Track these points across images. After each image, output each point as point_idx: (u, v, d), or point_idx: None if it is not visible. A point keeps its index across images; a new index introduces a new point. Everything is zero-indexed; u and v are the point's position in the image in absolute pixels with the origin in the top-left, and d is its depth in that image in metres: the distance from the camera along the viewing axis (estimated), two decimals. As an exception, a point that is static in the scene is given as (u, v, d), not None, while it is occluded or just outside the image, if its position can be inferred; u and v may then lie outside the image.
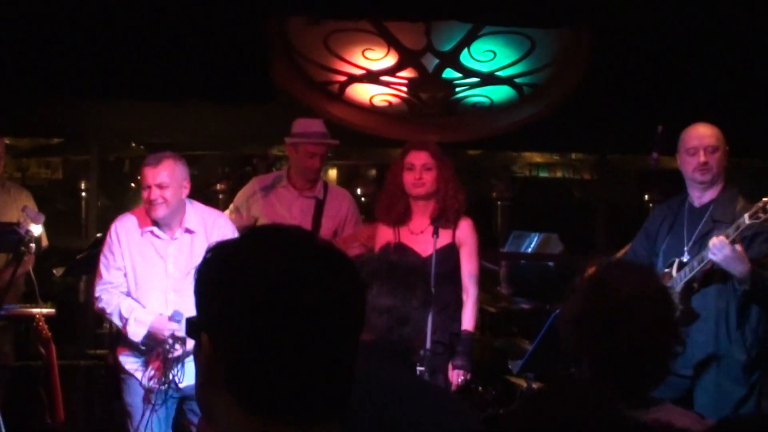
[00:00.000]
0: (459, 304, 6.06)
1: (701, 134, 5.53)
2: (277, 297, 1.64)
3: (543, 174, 13.25)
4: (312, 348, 1.66)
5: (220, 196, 9.97)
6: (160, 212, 5.62)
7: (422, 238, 6.04)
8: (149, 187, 5.59)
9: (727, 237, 5.16)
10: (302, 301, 1.64)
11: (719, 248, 5.19)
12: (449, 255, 6.03)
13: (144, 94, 7.86)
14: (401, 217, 6.10)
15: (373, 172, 12.65)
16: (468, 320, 6.01)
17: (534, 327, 6.53)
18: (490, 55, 8.03)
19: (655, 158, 6.10)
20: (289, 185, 6.65)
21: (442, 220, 6.00)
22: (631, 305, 2.86)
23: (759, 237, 5.36)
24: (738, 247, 5.17)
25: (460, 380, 5.85)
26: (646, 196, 10.93)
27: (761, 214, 5.09)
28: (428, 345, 5.57)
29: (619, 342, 2.85)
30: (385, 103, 8.45)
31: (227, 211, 6.76)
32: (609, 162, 9.44)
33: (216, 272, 1.71)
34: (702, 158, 5.46)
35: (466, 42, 7.93)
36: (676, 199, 5.77)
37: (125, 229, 5.76)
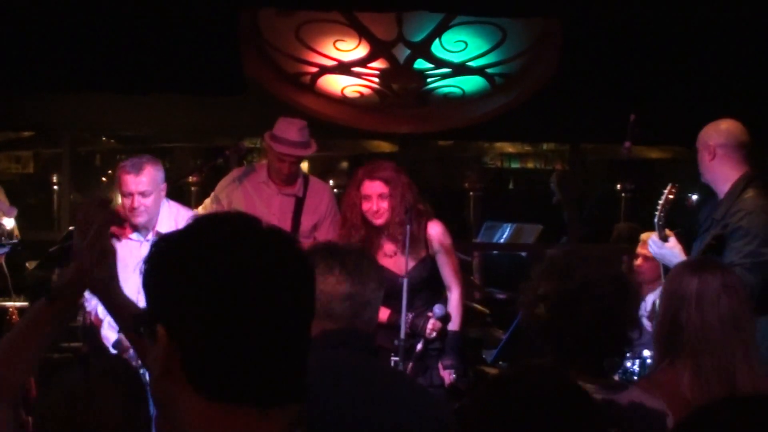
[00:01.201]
0: (434, 301, 6.00)
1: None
2: (228, 283, 1.65)
3: (515, 165, 13.31)
4: (266, 332, 1.67)
5: (192, 189, 9.96)
6: (142, 219, 5.69)
7: (395, 260, 5.98)
8: (131, 194, 5.62)
9: (658, 234, 5.32)
10: (253, 286, 1.66)
11: (650, 246, 5.37)
12: (424, 266, 6.01)
13: (115, 86, 7.82)
14: (369, 244, 5.97)
15: (345, 163, 12.67)
16: (454, 320, 6.01)
17: (507, 317, 6.55)
18: (461, 45, 8.02)
19: (628, 147, 6.10)
20: (270, 181, 6.59)
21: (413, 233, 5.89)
22: (583, 289, 2.94)
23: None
24: (670, 243, 5.30)
25: (451, 379, 5.86)
26: (618, 186, 10.99)
27: (658, 204, 5.34)
28: (402, 335, 5.58)
29: (570, 323, 2.94)
30: (357, 94, 8.44)
31: (207, 200, 6.74)
32: (581, 151, 9.46)
33: (166, 262, 1.71)
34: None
35: (438, 32, 7.92)
36: None
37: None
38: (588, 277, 2.97)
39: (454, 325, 5.99)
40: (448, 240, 6.08)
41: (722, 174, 5.53)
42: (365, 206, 5.93)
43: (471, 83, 8.43)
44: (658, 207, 5.36)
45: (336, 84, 8.39)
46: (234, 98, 8.00)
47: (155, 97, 8.13)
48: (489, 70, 8.31)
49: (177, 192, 9.69)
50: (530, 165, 13.52)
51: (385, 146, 10.55)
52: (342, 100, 8.51)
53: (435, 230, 6.03)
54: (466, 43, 8.02)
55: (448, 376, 5.86)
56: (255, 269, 1.67)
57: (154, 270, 1.73)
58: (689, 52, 7.68)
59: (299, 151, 6.48)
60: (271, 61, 8.28)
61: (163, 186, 5.75)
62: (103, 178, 11.06)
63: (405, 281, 5.67)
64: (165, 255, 1.72)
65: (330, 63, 8.21)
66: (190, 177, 9.77)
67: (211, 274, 1.66)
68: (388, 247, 6.01)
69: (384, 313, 5.71)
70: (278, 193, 6.55)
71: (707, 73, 7.74)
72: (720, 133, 5.53)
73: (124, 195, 5.68)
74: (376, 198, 5.90)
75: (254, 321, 1.66)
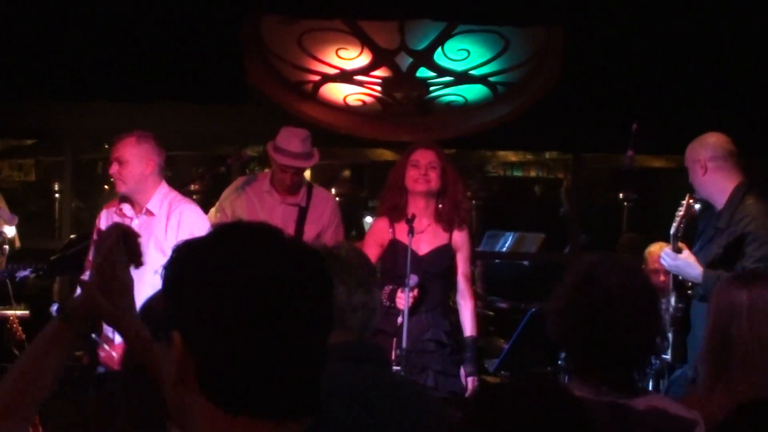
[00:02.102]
0: (448, 304, 6.14)
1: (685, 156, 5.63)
2: (246, 294, 1.64)
3: (517, 173, 13.28)
4: (283, 344, 1.66)
5: (195, 197, 9.94)
6: (120, 188, 5.74)
7: (421, 237, 6.03)
8: (111, 162, 5.68)
9: (671, 246, 5.31)
10: (272, 297, 1.65)
11: (664, 258, 5.35)
12: (444, 255, 6.07)
13: (117, 94, 7.83)
14: (399, 214, 6.07)
15: (348, 172, 12.65)
16: (471, 326, 6.08)
17: (509, 326, 6.55)
18: (464, 53, 8.02)
19: (630, 156, 6.10)
20: (273, 190, 6.57)
21: (447, 221, 6.07)
22: (615, 297, 2.90)
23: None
24: (684, 254, 5.29)
25: (475, 386, 5.90)
26: (621, 195, 10.97)
27: (677, 216, 5.35)
28: (404, 344, 5.58)
29: (602, 333, 2.90)
30: (359, 103, 8.44)
31: (213, 209, 6.73)
32: (584, 161, 9.44)
33: (186, 270, 1.70)
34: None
35: (440, 41, 7.92)
36: None
37: (107, 211, 5.95)
38: (616, 286, 2.93)
39: (471, 331, 6.03)
40: (470, 244, 6.24)
41: (718, 186, 5.54)
42: (412, 172, 6.03)
43: (473, 92, 8.42)
44: (677, 218, 5.34)
45: (338, 92, 8.38)
46: (236, 106, 8.00)
47: (157, 104, 8.12)
48: (491, 79, 8.30)
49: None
50: (533, 174, 13.49)
51: (387, 154, 10.53)
52: (344, 109, 8.49)
53: (464, 229, 6.15)
54: (468, 52, 8.01)
55: (471, 383, 5.91)
56: (275, 281, 1.66)
57: (173, 275, 1.72)
58: (692, 61, 7.67)
59: (301, 163, 6.47)
60: (274, 70, 8.28)
61: (151, 162, 5.76)
62: (105, 186, 11.04)
63: (407, 290, 5.69)
64: (184, 262, 1.71)
65: (332, 71, 8.20)
66: (192, 185, 9.75)
67: (229, 285, 1.65)
68: (418, 221, 6.01)
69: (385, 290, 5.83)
70: (281, 202, 6.54)
71: (710, 82, 7.73)
72: (708, 146, 5.56)
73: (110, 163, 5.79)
74: (425, 165, 6.01)
75: (273, 333, 1.65)
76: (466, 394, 5.86)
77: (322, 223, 6.54)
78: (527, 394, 2.09)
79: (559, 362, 5.23)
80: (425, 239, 6.03)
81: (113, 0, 7.25)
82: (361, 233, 12.10)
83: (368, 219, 12.48)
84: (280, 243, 1.74)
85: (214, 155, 10.53)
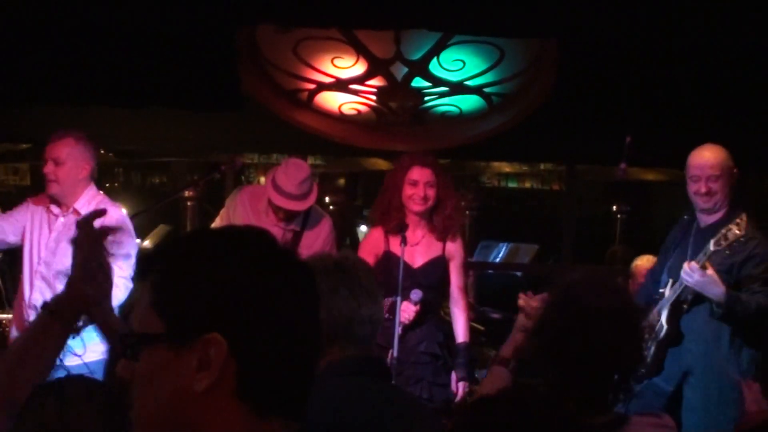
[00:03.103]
0: (440, 314, 6.20)
1: (704, 163, 5.51)
2: (292, 300, 1.71)
3: (511, 184, 13.32)
4: (311, 347, 1.75)
5: (189, 203, 9.96)
6: (53, 189, 5.76)
7: (415, 250, 6.08)
8: (46, 161, 5.69)
9: (698, 262, 5.25)
10: (307, 302, 1.74)
11: (690, 273, 5.29)
12: (437, 267, 6.12)
13: (112, 100, 7.83)
14: (396, 230, 6.08)
15: (342, 180, 12.68)
16: (463, 332, 6.11)
17: (501, 336, 6.55)
18: (459, 64, 8.02)
19: (624, 169, 6.11)
20: (269, 211, 6.54)
21: (441, 232, 6.11)
22: (590, 318, 2.88)
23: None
24: (709, 271, 5.24)
25: (465, 391, 5.93)
26: (614, 207, 11.00)
27: (722, 242, 5.22)
28: (395, 354, 5.59)
29: (578, 355, 2.87)
30: (354, 112, 8.45)
31: (223, 211, 6.76)
32: (577, 172, 9.47)
33: (238, 277, 1.70)
34: (703, 188, 5.48)
35: (436, 51, 7.91)
36: (691, 216, 5.77)
37: (34, 206, 6.02)
38: (592, 307, 2.91)
39: (464, 338, 6.06)
40: (462, 253, 6.25)
41: (728, 200, 5.54)
42: (410, 191, 6.06)
43: (468, 102, 8.43)
44: (726, 237, 5.26)
45: (333, 101, 8.39)
46: (231, 114, 8.01)
47: (152, 111, 8.12)
48: (486, 90, 8.31)
49: (173, 206, 9.72)
50: (527, 185, 13.53)
51: (381, 164, 10.56)
52: (339, 117, 8.50)
53: (457, 239, 6.20)
54: (464, 62, 8.01)
55: (462, 388, 5.95)
56: (305, 288, 1.76)
57: (221, 281, 1.69)
58: (686, 74, 7.68)
59: (294, 205, 6.39)
60: (269, 78, 8.28)
61: (86, 165, 5.80)
62: (100, 191, 11.05)
63: (398, 299, 5.70)
64: (235, 268, 1.71)
65: (327, 80, 8.21)
66: (186, 191, 9.77)
67: (280, 291, 1.70)
68: (412, 234, 6.06)
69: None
70: (275, 224, 6.48)
71: (704, 95, 7.74)
72: (731, 158, 5.55)
73: (45, 161, 5.78)
74: (423, 185, 6.04)
75: (306, 337, 1.73)
76: (457, 400, 5.89)
77: (315, 248, 6.44)
78: (516, 405, 2.10)
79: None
80: (419, 251, 6.07)
81: (108, 6, 7.23)
82: (355, 242, 12.13)
83: (363, 228, 12.51)
84: (290, 254, 1.81)
85: (208, 162, 10.55)
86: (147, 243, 10.14)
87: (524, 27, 7.18)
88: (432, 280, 6.07)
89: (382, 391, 3.00)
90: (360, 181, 12.81)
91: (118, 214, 5.87)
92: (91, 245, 2.49)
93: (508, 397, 2.17)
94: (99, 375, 5.30)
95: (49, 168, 5.72)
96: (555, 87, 7.92)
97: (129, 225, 5.88)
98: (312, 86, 8.29)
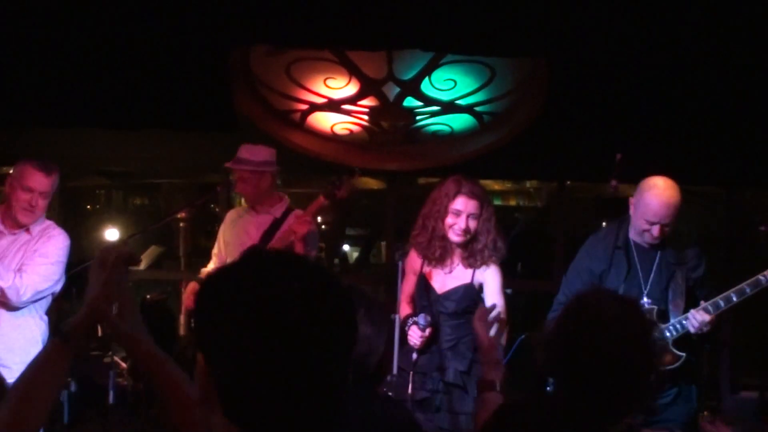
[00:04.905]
0: (470, 342, 5.80)
1: (663, 214, 5.44)
2: (265, 320, 1.69)
3: (497, 202, 13.37)
4: (300, 367, 1.70)
5: (181, 224, 9.97)
6: (30, 219, 5.71)
7: (447, 276, 5.91)
8: (31, 191, 5.66)
9: (708, 312, 5.33)
10: (288, 320, 1.69)
11: (700, 323, 5.35)
12: (465, 294, 5.86)
13: (105, 122, 7.86)
14: (438, 260, 5.92)
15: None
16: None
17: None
18: (450, 83, 8.09)
19: (614, 186, 6.12)
20: (250, 208, 6.75)
21: (477, 260, 5.85)
22: (604, 325, 2.88)
23: (707, 281, 5.51)
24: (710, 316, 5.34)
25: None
26: (604, 224, 11.03)
27: (755, 287, 5.28)
28: (394, 370, 5.56)
29: (594, 364, 2.87)
30: (347, 132, 8.50)
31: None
32: (567, 189, 9.51)
33: (211, 296, 1.76)
34: (657, 233, 5.50)
35: (427, 71, 7.99)
36: (613, 233, 5.71)
37: None
38: (606, 313, 2.91)
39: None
40: (498, 283, 5.88)
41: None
42: (452, 220, 5.81)
43: (460, 121, 8.49)
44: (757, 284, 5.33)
45: (326, 121, 8.44)
46: (224, 135, 8.03)
47: (145, 132, 8.16)
48: (477, 108, 8.38)
49: (166, 227, 9.74)
50: (512, 202, 13.59)
51: (373, 183, 10.60)
52: (331, 137, 8.55)
53: (489, 270, 5.88)
54: (455, 82, 8.09)
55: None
56: (293, 307, 1.70)
57: (200, 301, 1.77)
58: (674, 91, 7.76)
59: (243, 166, 6.62)
60: (262, 99, 8.34)
61: (52, 196, 5.84)
62: (87, 205, 11.05)
63: (396, 317, 5.66)
64: (211, 288, 1.77)
65: (320, 100, 8.27)
66: (179, 213, 9.79)
67: (248, 311, 1.70)
68: (450, 261, 5.92)
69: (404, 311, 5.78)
70: (256, 215, 6.66)
71: (692, 112, 7.82)
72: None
73: (23, 189, 5.70)
74: (467, 216, 5.80)
75: (287, 355, 1.70)
76: None
77: (287, 241, 6.50)
78: (536, 412, 2.12)
79: (548, 388, 5.21)
80: (451, 277, 5.89)
81: (102, 28, 7.26)
82: (344, 262, 12.15)
83: (345, 247, 12.53)
84: (302, 269, 1.78)
85: (201, 183, 10.58)
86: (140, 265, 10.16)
87: (515, 46, 7.23)
88: (458, 306, 5.83)
89: (388, 412, 3.04)
90: (350, 200, 12.82)
91: (58, 241, 5.86)
92: (115, 266, 2.51)
93: (528, 405, 2.19)
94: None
95: (35, 200, 5.66)
96: (545, 105, 7.99)
97: (62, 253, 5.84)
98: (304, 107, 8.34)
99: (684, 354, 5.43)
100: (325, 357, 1.72)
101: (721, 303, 5.33)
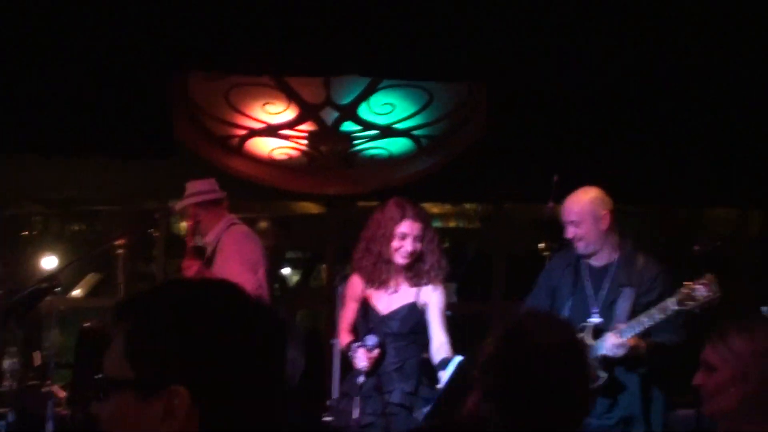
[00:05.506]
0: (416, 362, 5.83)
1: (565, 209, 5.63)
2: (250, 350, 1.75)
3: (436, 224, 13.39)
4: (276, 393, 1.79)
5: (119, 251, 9.89)
6: None
7: (391, 297, 5.88)
8: None
9: (619, 335, 5.34)
10: (269, 352, 1.78)
11: (612, 345, 5.36)
12: (410, 314, 5.83)
13: (41, 148, 7.79)
14: (384, 283, 5.91)
15: (264, 224, 12.66)
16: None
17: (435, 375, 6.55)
18: (388, 108, 8.14)
19: (551, 207, 6.17)
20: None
21: (420, 280, 5.84)
22: (544, 353, 2.91)
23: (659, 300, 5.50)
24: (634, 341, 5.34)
25: None
26: (541, 245, 11.10)
27: (689, 302, 5.16)
28: (335, 395, 5.56)
29: (529, 388, 2.89)
30: (285, 156, 8.50)
31: None
32: (504, 211, 9.57)
33: (195, 327, 1.75)
34: (568, 233, 5.59)
35: (365, 95, 8.05)
36: (573, 254, 5.78)
37: None
38: (544, 341, 2.93)
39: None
40: (441, 303, 5.88)
41: (612, 239, 5.63)
42: (398, 243, 5.79)
43: (397, 145, 8.54)
44: (699, 305, 5.19)
45: (264, 146, 8.45)
46: (162, 161, 8.00)
47: (82, 159, 8.11)
48: (415, 132, 8.44)
49: (104, 255, 9.65)
50: (452, 224, 13.62)
51: (312, 207, 10.58)
52: (270, 163, 8.55)
53: (431, 289, 5.86)
54: (393, 106, 8.15)
55: None
56: (269, 337, 1.79)
57: (181, 334, 1.75)
58: (611, 114, 7.86)
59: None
60: (201, 124, 8.32)
61: None
62: (24, 232, 10.93)
63: (335, 341, 5.66)
64: (192, 320, 1.76)
65: (259, 126, 8.28)
66: (117, 240, 9.70)
67: (234, 342, 1.74)
68: (395, 282, 5.89)
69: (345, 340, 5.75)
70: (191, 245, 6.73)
71: (629, 134, 7.92)
72: (606, 200, 5.63)
73: None
74: (413, 239, 5.80)
75: (269, 383, 1.78)
76: None
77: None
78: None
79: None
80: (396, 297, 5.86)
81: (39, 54, 7.22)
82: (284, 286, 12.12)
83: (286, 270, 12.51)
84: (254, 304, 1.84)
85: (139, 210, 10.49)
86: (78, 292, 10.05)
87: (453, 71, 7.29)
88: (403, 327, 5.79)
89: None
90: (290, 225, 12.79)
91: None
92: None
93: (463, 428, 2.21)
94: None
95: None
96: (483, 128, 8.05)
97: None
98: (243, 132, 8.34)
99: (606, 374, 5.45)
100: (282, 380, 1.81)
101: (636, 327, 5.32)
